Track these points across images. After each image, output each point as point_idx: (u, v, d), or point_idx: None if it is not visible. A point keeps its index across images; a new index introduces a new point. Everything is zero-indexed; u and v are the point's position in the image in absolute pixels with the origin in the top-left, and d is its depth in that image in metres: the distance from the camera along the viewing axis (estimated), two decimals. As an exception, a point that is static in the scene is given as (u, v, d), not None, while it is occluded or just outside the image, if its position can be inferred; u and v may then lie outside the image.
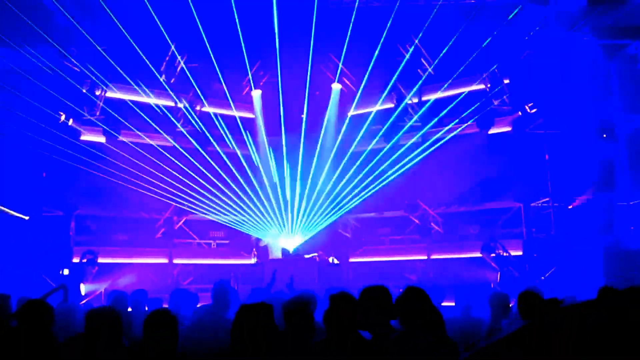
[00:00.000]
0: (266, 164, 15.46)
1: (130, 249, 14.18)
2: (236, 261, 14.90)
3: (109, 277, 12.93)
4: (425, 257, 14.64)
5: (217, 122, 14.87)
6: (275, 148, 15.57)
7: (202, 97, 14.94)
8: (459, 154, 13.85)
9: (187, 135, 14.77)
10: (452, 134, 14.25)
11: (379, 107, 15.16)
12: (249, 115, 16.08)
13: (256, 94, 15.80)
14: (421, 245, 14.78)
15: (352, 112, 15.57)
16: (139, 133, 14.19)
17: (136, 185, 13.52)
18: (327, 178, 15.33)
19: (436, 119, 14.42)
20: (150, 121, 14.03)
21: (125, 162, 13.51)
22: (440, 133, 14.39)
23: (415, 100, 15.15)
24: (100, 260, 13.00)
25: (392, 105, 15.05)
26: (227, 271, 14.03)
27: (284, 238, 14.77)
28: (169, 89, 14.64)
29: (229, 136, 15.07)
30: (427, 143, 14.54)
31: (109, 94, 14.07)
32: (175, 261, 14.72)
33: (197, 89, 14.72)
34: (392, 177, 14.61)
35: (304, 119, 14.89)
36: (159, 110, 14.18)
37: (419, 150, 14.54)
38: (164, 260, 14.64)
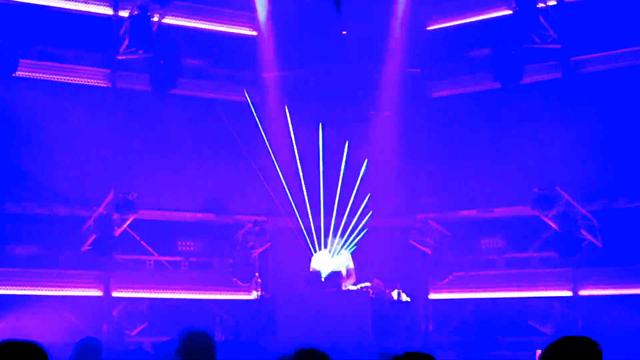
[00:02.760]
0: (278, 119, 14.79)
1: (39, 270, 13.76)
2: (225, 296, 14.60)
3: (1, 319, 12.95)
4: (570, 293, 13.88)
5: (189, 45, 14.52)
6: (293, 90, 14.95)
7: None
8: (630, 102, 13.30)
9: (135, 70, 14.38)
10: (616, 66, 13.63)
11: (484, 15, 14.68)
12: (247, 31, 15.48)
13: (260, -6, 14.77)
14: (562, 271, 13.91)
15: (432, 26, 15.11)
16: (51, 64, 13.92)
17: (48, 157, 13.35)
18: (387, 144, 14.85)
19: (589, 40, 13.74)
20: (70, 46, 14.02)
21: (28, 116, 13.35)
22: (596, 64, 13.84)
23: (553, 2, 14.16)
24: (-14, 289, 12.60)
25: (508, 13, 14.24)
26: (209, 313, 14.02)
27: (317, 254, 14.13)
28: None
29: (210, 69, 14.83)
30: (574, 82, 13.91)
31: (-2, -4, 13.15)
32: (116, 294, 14.06)
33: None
34: (508, 146, 14.07)
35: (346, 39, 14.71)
36: (87, 24, 13.98)
37: (557, 95, 13.83)
38: (97, 293, 14.05)
